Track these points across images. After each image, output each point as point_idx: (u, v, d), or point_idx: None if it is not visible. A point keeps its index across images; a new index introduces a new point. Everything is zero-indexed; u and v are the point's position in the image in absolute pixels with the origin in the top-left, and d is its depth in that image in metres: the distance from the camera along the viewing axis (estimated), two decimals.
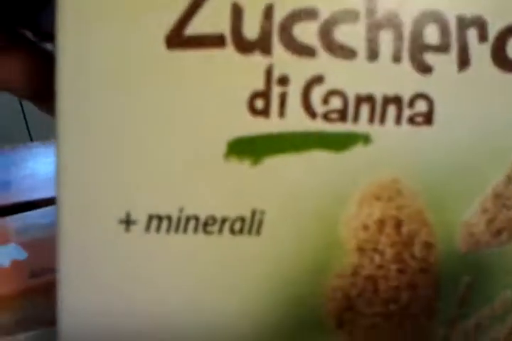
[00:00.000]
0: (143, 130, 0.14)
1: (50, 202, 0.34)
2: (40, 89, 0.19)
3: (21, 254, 0.29)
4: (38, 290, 0.27)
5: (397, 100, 0.14)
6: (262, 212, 0.15)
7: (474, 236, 0.15)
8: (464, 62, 0.14)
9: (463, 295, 0.15)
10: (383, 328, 0.15)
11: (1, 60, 0.18)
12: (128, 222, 0.15)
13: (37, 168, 0.37)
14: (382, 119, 0.14)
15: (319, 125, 0.14)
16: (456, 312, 0.16)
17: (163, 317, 0.15)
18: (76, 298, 0.15)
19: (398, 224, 0.15)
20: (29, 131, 1.06)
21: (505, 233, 0.15)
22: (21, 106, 1.04)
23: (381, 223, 0.15)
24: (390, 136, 0.14)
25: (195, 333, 0.15)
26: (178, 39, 0.14)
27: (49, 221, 0.32)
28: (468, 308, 0.16)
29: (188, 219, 0.15)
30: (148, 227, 0.15)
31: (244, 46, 0.14)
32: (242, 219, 0.15)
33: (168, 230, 0.15)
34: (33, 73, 0.18)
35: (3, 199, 0.34)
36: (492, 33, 0.14)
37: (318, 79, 0.14)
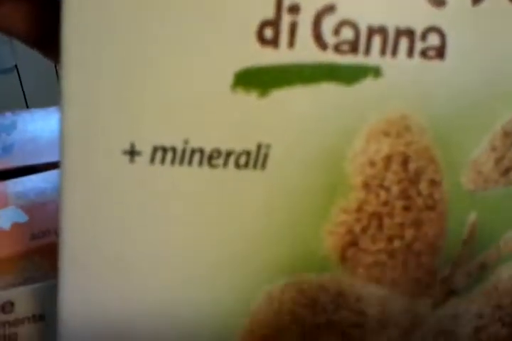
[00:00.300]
0: (148, 61, 0.14)
1: (51, 166, 0.34)
2: (46, 35, 0.18)
3: (22, 217, 0.28)
4: (40, 251, 0.27)
5: (409, 33, 0.14)
6: (268, 146, 0.14)
7: (482, 175, 0.15)
8: None
9: (468, 233, 0.15)
10: (386, 266, 0.15)
11: (2, 5, 0.18)
12: (132, 153, 0.14)
13: (38, 132, 0.37)
14: (394, 52, 0.14)
15: (329, 56, 0.14)
16: (461, 251, 0.15)
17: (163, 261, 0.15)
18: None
19: (405, 161, 0.15)
20: (26, 100, 1.06)
21: None
22: (18, 74, 1.03)
23: (388, 159, 0.15)
24: (401, 70, 0.14)
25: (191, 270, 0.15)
26: None
27: (50, 185, 0.31)
28: (473, 247, 0.15)
29: (193, 152, 0.14)
30: (152, 159, 0.14)
31: None
32: (248, 153, 0.15)
33: (172, 162, 0.14)
34: (36, 19, 0.18)
35: (4, 163, 0.33)
36: None
37: (329, 9, 0.14)
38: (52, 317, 0.25)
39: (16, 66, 1.02)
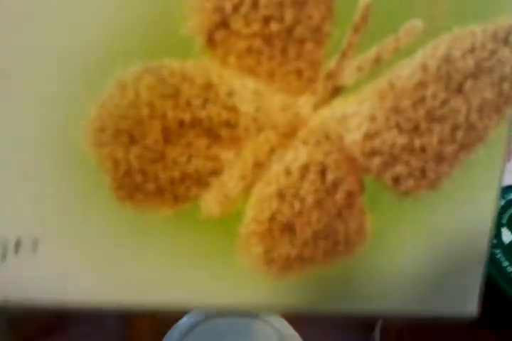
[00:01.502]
0: None
1: None
2: None
3: None
4: None
5: None
6: None
7: None
8: None
9: (360, 17, 0.13)
10: (262, 53, 0.13)
11: None
12: None
13: None
14: None
15: None
16: (351, 39, 0.13)
17: None
18: None
19: None
20: None
21: None
22: None
23: None
24: None
25: None
26: None
27: None
28: (367, 36, 0.13)
29: None
30: None
31: None
32: None
33: None
34: None
35: None
36: None
37: None
38: None
39: None
